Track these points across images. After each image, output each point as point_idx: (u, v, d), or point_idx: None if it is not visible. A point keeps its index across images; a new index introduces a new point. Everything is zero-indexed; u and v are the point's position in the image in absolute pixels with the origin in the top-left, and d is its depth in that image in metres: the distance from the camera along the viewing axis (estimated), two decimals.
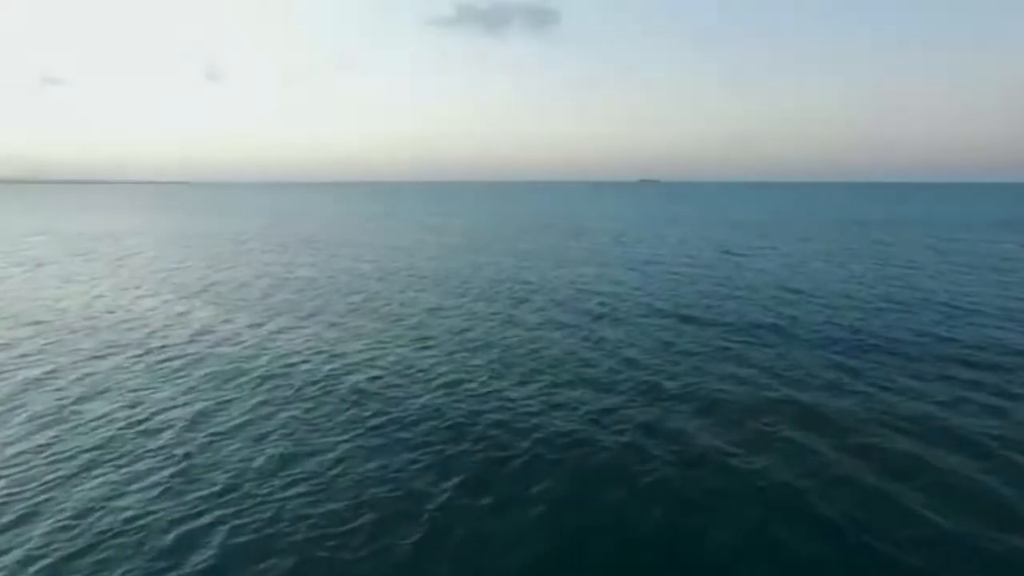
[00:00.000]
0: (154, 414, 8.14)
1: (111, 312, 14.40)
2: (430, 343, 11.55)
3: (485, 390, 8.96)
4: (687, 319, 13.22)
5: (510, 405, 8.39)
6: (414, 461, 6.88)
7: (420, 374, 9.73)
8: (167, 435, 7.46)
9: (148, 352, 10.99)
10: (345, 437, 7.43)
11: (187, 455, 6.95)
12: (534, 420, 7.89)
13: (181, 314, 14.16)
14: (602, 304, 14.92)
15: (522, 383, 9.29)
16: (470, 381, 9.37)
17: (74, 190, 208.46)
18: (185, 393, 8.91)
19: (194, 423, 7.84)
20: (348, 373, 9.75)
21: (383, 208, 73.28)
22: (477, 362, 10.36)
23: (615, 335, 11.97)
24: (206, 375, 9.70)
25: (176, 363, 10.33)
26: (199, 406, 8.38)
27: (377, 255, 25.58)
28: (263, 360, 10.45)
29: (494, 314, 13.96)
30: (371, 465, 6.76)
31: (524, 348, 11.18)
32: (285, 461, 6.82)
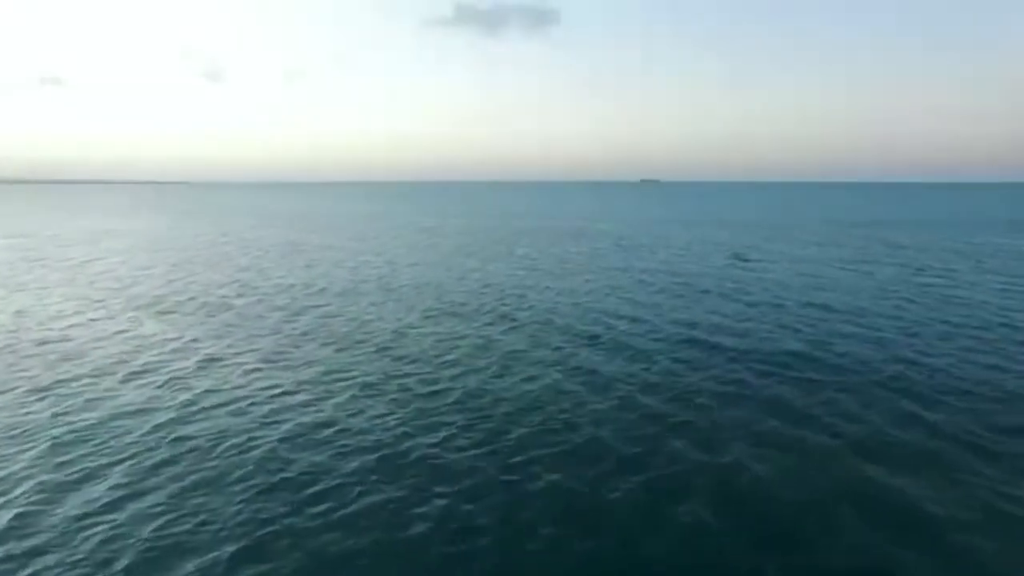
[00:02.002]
0: (6, 489, 6.22)
1: (36, 331, 12.55)
2: (385, 377, 9.61)
3: (442, 459, 6.88)
4: (698, 344, 11.28)
5: (472, 483, 6.38)
6: None
7: (366, 425, 7.78)
8: (4, 521, 5.59)
9: (46, 389, 9.06)
10: (240, 532, 5.54)
11: (16, 554, 5.10)
12: (500, 508, 5.93)
13: (111, 336, 12.27)
14: (598, 322, 13.04)
15: (490, 441, 7.33)
16: (424, 436, 7.43)
17: (73, 190, 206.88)
18: (59, 450, 6.98)
19: (51, 499, 5.95)
20: (275, 423, 7.84)
21: (380, 208, 71.41)
22: (438, 407, 8.42)
23: (612, 367, 10.05)
24: (98, 423, 7.76)
25: (71, 403, 8.44)
26: (69, 473, 6.47)
27: (358, 261, 23.74)
28: (177, 403, 8.52)
29: (471, 335, 12.07)
30: None
31: (500, 384, 9.27)
32: (147, 571, 4.97)
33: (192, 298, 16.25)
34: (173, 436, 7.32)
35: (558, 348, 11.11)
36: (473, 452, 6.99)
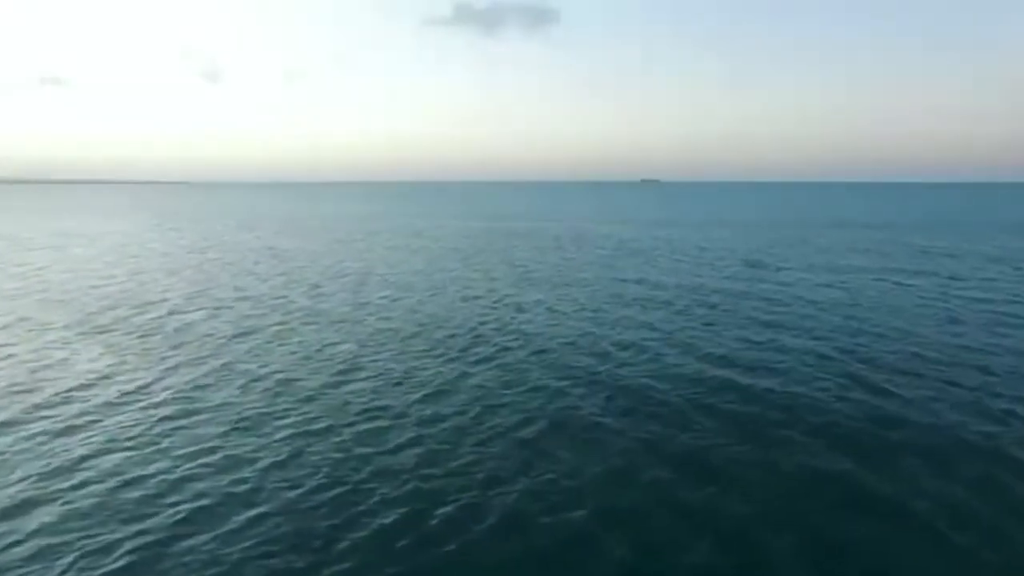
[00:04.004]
0: None
1: None
2: (326, 431, 7.58)
3: None
4: (719, 384, 9.13)
5: None
6: None
7: (285, 516, 5.81)
8: None
9: None
10: None
11: None
12: None
13: (22, 363, 10.26)
14: (596, 350, 11.01)
15: (447, 538, 5.34)
16: (357, 531, 5.47)
17: (73, 191, 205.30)
18: None
19: None
20: (168, 506, 5.83)
21: (377, 209, 69.36)
22: (382, 479, 6.43)
23: (612, 414, 8.05)
24: None
25: None
26: None
27: (338, 269, 21.80)
28: (50, 469, 6.49)
29: (441, 368, 10.02)
30: None
31: (468, 442, 7.21)
32: None
33: (139, 312, 14.36)
34: (15, 534, 5.39)
35: (546, 386, 9.14)
36: (422, 561, 5.07)
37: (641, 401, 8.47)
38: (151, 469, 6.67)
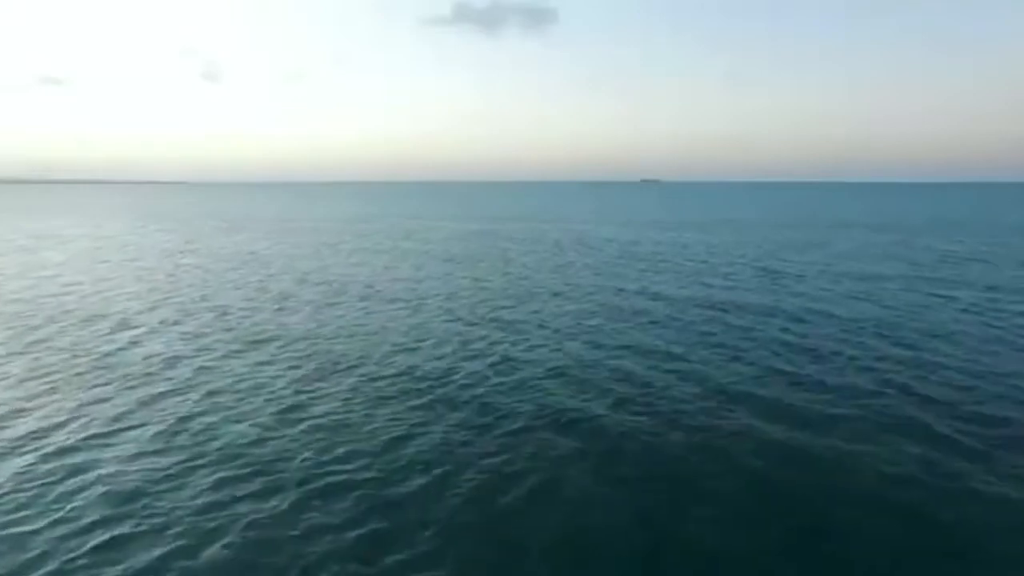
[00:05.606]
0: None
1: None
2: (239, 502, 5.96)
3: None
4: (752, 437, 7.41)
5: None
6: None
7: None
8: None
9: None
10: None
11: None
12: None
13: None
14: (591, 380, 9.37)
15: None
16: None
17: (71, 191, 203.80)
18: None
19: None
20: None
21: (372, 210, 67.56)
22: (309, 565, 4.89)
23: (613, 486, 6.37)
24: None
25: None
26: None
27: (319, 276, 20.22)
28: None
29: (402, 404, 8.43)
30: None
31: (423, 524, 5.59)
32: None
33: (86, 326, 12.84)
34: None
35: (531, 432, 7.51)
36: None
37: (646, 460, 6.82)
38: (18, 560, 5.12)
